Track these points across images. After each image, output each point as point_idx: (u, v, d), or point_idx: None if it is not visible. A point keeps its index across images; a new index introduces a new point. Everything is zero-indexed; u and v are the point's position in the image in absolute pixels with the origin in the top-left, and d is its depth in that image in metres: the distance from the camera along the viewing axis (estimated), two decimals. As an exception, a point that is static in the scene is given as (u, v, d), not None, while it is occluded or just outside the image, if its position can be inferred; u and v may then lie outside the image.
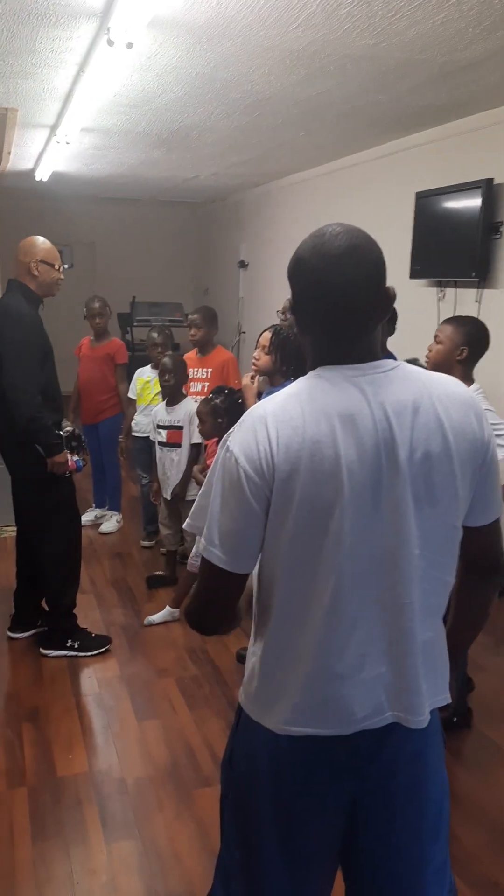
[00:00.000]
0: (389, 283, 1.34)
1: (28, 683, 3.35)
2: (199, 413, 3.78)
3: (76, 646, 3.56)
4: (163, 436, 4.14)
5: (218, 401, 3.71)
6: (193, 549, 3.85)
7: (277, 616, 1.35)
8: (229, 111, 4.52)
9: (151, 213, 10.05)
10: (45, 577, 3.55)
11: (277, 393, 1.34)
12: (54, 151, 5.82)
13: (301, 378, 1.34)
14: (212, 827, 2.48)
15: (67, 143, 5.26)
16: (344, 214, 6.13)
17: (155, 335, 4.81)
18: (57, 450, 3.28)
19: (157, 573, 4.42)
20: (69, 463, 3.34)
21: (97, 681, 3.40)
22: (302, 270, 1.32)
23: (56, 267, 3.33)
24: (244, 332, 8.51)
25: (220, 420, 3.67)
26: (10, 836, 2.46)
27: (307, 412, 1.27)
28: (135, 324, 8.83)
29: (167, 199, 9.27)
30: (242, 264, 8.59)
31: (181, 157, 6.18)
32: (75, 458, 3.40)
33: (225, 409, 3.66)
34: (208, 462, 3.87)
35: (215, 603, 1.39)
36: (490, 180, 4.30)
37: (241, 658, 3.54)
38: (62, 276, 3.39)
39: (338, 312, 1.30)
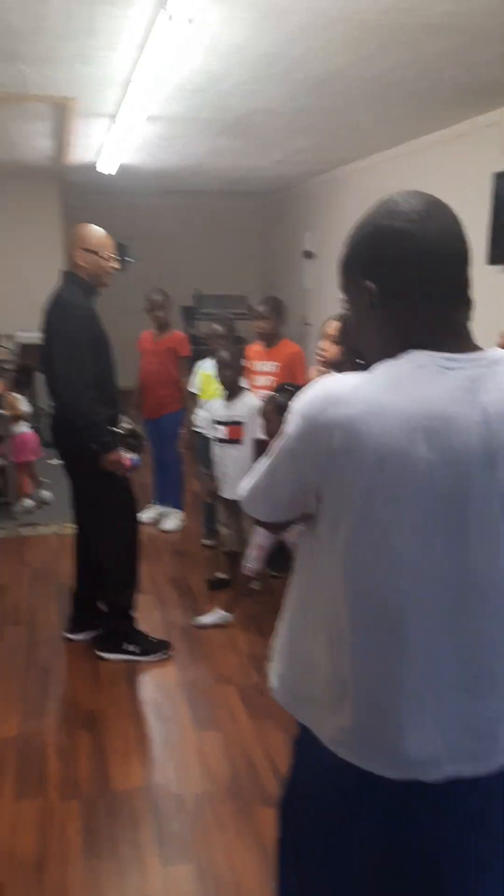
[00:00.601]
0: None
1: (85, 687, 3.25)
2: (264, 412, 3.61)
3: (134, 650, 3.44)
4: (221, 432, 3.98)
5: (284, 397, 3.54)
6: (249, 553, 3.70)
7: (337, 624, 1.19)
8: (295, 92, 4.33)
9: (216, 205, 9.93)
10: (100, 578, 3.44)
11: (355, 374, 1.15)
12: (118, 142, 5.72)
13: (386, 362, 1.15)
14: (274, 849, 2.32)
15: (131, 132, 5.15)
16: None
17: (217, 326, 4.65)
18: (109, 447, 3.14)
19: (219, 576, 4.27)
20: (124, 461, 3.20)
21: (155, 686, 3.27)
22: (382, 238, 1.15)
23: (102, 255, 3.18)
24: (309, 325, 8.30)
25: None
26: (61, 851, 2.35)
27: (387, 402, 1.09)
28: (199, 317, 8.72)
29: (232, 189, 9.12)
30: (308, 254, 8.38)
31: (246, 144, 6.01)
32: (132, 456, 3.24)
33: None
34: None
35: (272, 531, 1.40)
36: None
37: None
38: (114, 266, 3.24)
39: (433, 275, 1.12)
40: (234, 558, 4.20)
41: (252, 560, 3.70)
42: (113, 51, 3.62)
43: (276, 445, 1.23)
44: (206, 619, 3.81)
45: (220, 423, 4.01)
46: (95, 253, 3.17)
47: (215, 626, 3.78)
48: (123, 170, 7.25)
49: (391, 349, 1.16)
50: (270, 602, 4.10)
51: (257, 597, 4.12)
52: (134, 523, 3.48)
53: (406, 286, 1.14)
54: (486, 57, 3.63)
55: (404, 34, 3.31)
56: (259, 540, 3.69)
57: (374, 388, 1.11)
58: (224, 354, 3.97)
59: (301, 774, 1.31)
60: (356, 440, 1.08)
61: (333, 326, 3.00)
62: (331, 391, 1.14)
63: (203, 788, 2.63)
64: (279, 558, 4.32)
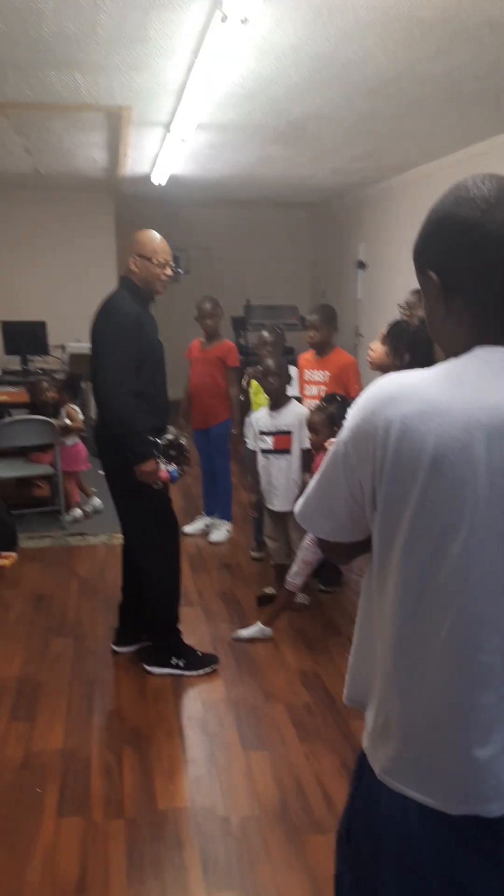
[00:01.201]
0: None
1: (131, 702, 3.18)
2: (311, 423, 3.52)
3: (181, 664, 3.36)
4: (267, 442, 3.89)
5: (333, 408, 3.45)
6: (293, 567, 3.60)
7: (391, 642, 1.10)
8: (349, 96, 4.24)
9: (267, 215, 9.89)
10: (143, 590, 3.37)
11: (415, 371, 1.07)
12: (171, 152, 5.72)
13: (450, 359, 1.07)
14: (324, 881, 2.21)
15: (183, 140, 5.13)
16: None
17: (265, 334, 4.58)
18: (144, 457, 3.05)
19: (267, 591, 4.17)
20: (160, 472, 3.11)
21: (202, 703, 3.18)
22: (447, 227, 1.07)
23: (155, 262, 3.12)
24: (362, 336, 8.18)
25: (336, 429, 3.42)
26: (105, 872, 2.27)
27: (449, 399, 1.01)
28: (249, 327, 8.67)
29: (283, 199, 9.08)
30: (361, 265, 8.27)
31: (298, 151, 5.95)
32: (171, 467, 3.15)
33: (342, 417, 3.40)
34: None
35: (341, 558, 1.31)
36: None
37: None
38: (167, 274, 3.17)
39: (500, 268, 1.03)
40: (283, 571, 4.10)
41: (295, 575, 3.59)
42: (167, 58, 3.59)
43: (330, 452, 1.15)
44: (245, 632, 3.71)
45: (265, 433, 3.92)
46: (149, 259, 3.12)
47: (255, 639, 3.68)
48: (174, 180, 7.25)
49: (457, 345, 1.09)
50: (320, 617, 3.99)
51: (305, 612, 4.02)
52: (174, 537, 3.41)
53: (469, 279, 1.07)
54: (550, 55, 3.50)
55: (465, 32, 3.19)
56: (305, 555, 3.59)
57: (432, 386, 1.04)
58: (269, 362, 3.90)
59: (358, 805, 1.20)
60: (410, 441, 1.01)
61: (385, 328, 2.93)
62: (386, 389, 1.07)
63: (250, 812, 2.53)
64: (329, 573, 4.21)
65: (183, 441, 3.26)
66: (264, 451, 3.93)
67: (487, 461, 0.98)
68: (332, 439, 1.35)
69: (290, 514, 3.85)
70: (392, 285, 7.35)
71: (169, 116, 4.79)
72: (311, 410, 3.60)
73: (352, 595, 4.26)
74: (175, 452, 3.20)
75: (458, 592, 1.01)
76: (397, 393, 1.04)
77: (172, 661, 3.36)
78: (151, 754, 2.83)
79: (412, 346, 2.89)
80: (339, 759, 2.80)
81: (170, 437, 3.22)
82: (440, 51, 3.43)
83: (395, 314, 5.86)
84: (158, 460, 3.10)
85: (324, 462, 1.17)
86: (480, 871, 1.08)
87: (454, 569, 1.01)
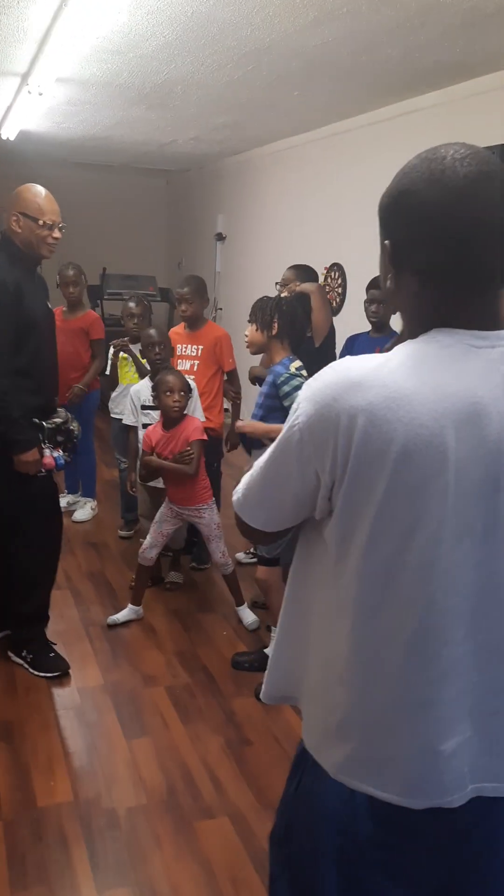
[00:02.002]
0: None
1: (0, 693, 2.99)
2: (171, 385, 3.39)
3: (28, 659, 3.15)
4: (153, 417, 3.76)
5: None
6: (147, 540, 3.53)
7: (350, 639, 1.05)
8: (222, 62, 4.12)
9: (124, 181, 9.55)
10: (11, 577, 3.11)
11: (372, 356, 1.01)
12: (24, 105, 5.34)
13: (406, 342, 1.01)
14: (218, 866, 2.18)
15: (40, 94, 4.79)
16: (335, 185, 5.77)
17: (132, 305, 4.40)
18: (21, 447, 2.78)
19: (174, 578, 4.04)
20: (45, 460, 2.86)
21: (78, 691, 3.05)
22: (410, 205, 0.99)
23: (42, 223, 2.81)
24: (221, 309, 8.13)
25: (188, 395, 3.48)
26: (-17, 882, 2.12)
27: (411, 387, 0.95)
28: (106, 297, 8.38)
29: (141, 165, 8.79)
30: (220, 237, 8.18)
31: (161, 116, 5.75)
32: (56, 453, 2.91)
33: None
34: (163, 451, 3.50)
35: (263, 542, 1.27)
36: (504, 146, 3.98)
37: (236, 665, 3.23)
38: (55, 236, 2.85)
39: (462, 260, 0.97)
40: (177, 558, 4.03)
41: (151, 548, 3.51)
42: (32, 1, 3.31)
43: (280, 438, 1.07)
44: (119, 616, 3.60)
45: (149, 407, 3.79)
46: (35, 220, 2.80)
47: (130, 621, 3.57)
48: (25, 135, 6.81)
49: (415, 323, 1.04)
50: (194, 595, 3.94)
51: (179, 591, 3.95)
52: (56, 523, 3.20)
53: (418, 272, 1.02)
54: (421, 37, 3.54)
55: (344, 5, 3.16)
56: (162, 527, 3.52)
57: (395, 372, 0.98)
58: (152, 333, 3.76)
59: (299, 805, 1.16)
60: (378, 430, 0.95)
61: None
62: (348, 374, 1.00)
63: (137, 802, 2.45)
64: (201, 550, 4.16)
65: (73, 426, 3.03)
66: (147, 426, 3.80)
67: (456, 450, 0.94)
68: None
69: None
70: (252, 258, 7.33)
71: (26, 66, 4.46)
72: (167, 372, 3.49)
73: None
74: (63, 438, 2.97)
75: (425, 587, 0.98)
76: (361, 378, 0.98)
77: (23, 654, 3.16)
78: (26, 749, 2.68)
79: (279, 314, 2.89)
80: (224, 739, 2.77)
81: (58, 419, 2.97)
82: (318, 21, 3.38)
83: (254, 287, 5.85)
84: (44, 446, 2.87)
85: (271, 449, 1.09)
86: (429, 865, 1.07)
87: (421, 562, 0.97)
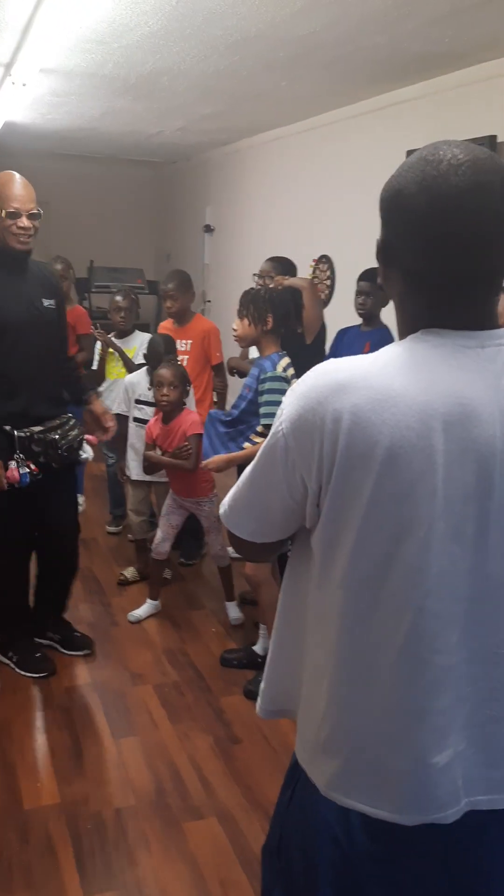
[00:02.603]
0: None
1: (-14, 694, 2.96)
2: (165, 378, 3.35)
3: (14, 659, 3.11)
4: (146, 412, 3.72)
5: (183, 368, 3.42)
6: (158, 534, 3.52)
7: (337, 649, 1.02)
8: (207, 52, 4.07)
9: (111, 173, 9.47)
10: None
11: (361, 356, 0.98)
12: (8, 96, 5.27)
13: (395, 343, 0.99)
14: (207, 868, 2.16)
15: (24, 84, 4.73)
16: (323, 176, 5.73)
17: (119, 299, 4.36)
18: None
19: (125, 575, 3.99)
20: (7, 473, 2.65)
21: (64, 690, 3.01)
22: (402, 208, 0.96)
23: (4, 213, 2.61)
24: (209, 301, 8.08)
25: (187, 388, 3.44)
26: (-32, 887, 2.09)
27: (401, 387, 0.93)
28: (93, 289, 8.31)
29: (128, 157, 8.70)
30: (208, 229, 8.13)
31: (147, 107, 5.69)
32: (23, 469, 2.67)
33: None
34: (162, 444, 3.46)
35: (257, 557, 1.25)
36: (493, 137, 3.95)
37: (225, 662, 3.20)
38: (20, 224, 2.64)
39: (449, 269, 0.94)
40: (143, 548, 3.97)
41: (163, 542, 3.50)
42: (11, -12, 3.26)
43: (266, 445, 1.04)
44: (142, 612, 3.58)
45: (144, 402, 3.75)
46: None
47: (119, 621, 3.55)
48: (9, 127, 6.74)
49: (405, 320, 1.02)
50: (182, 591, 3.91)
51: (168, 587, 3.92)
52: (14, 557, 3.02)
53: (406, 275, 0.99)
54: (408, 26, 3.50)
55: (332, -7, 3.13)
56: (171, 519, 3.51)
57: (383, 373, 0.95)
58: (157, 339, 3.76)
59: (291, 818, 1.13)
60: (363, 433, 0.93)
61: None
62: (333, 376, 0.97)
63: (125, 803, 2.42)
64: (189, 546, 4.14)
65: (57, 435, 2.79)
66: (138, 420, 3.76)
67: (445, 452, 0.92)
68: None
69: (163, 484, 3.74)
70: (240, 250, 7.28)
71: (9, 56, 4.39)
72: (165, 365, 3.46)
73: (215, 567, 4.21)
74: (39, 449, 2.73)
75: (415, 593, 0.95)
76: (346, 381, 0.95)
77: (9, 654, 3.13)
78: (12, 750, 2.64)
79: (271, 307, 2.85)
80: (213, 737, 2.75)
81: (36, 428, 2.74)
82: (304, 10, 3.34)
83: (243, 279, 5.80)
84: (15, 458, 2.67)
85: (257, 457, 1.06)
86: (426, 879, 1.04)
87: (411, 568, 0.94)
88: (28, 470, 2.70)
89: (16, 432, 2.71)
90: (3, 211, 2.64)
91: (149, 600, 3.61)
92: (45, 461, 2.78)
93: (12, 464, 2.69)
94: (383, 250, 1.01)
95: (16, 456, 2.69)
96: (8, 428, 2.70)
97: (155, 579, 3.62)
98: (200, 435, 3.39)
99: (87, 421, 3.19)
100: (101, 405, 3.19)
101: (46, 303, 2.82)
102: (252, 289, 3.00)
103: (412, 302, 1.00)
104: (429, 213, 0.93)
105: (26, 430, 2.74)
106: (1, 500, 2.76)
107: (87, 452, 3.01)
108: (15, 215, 2.65)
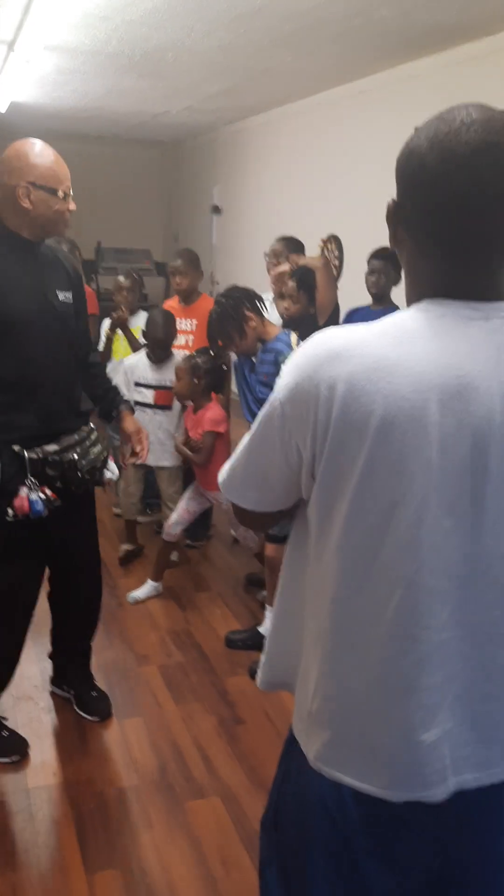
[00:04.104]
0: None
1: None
2: (176, 369, 3.42)
3: None
4: (146, 395, 3.71)
5: (199, 360, 3.36)
6: (173, 516, 3.51)
7: (330, 620, 1.01)
8: (212, 27, 4.01)
9: (117, 153, 9.42)
10: None
11: (360, 325, 0.96)
12: (13, 74, 5.22)
13: (396, 312, 0.97)
14: (209, 847, 2.16)
15: (28, 62, 4.69)
16: (331, 154, 5.66)
17: (122, 279, 4.34)
18: None
19: (127, 548, 4.00)
20: (16, 501, 2.17)
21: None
22: (413, 167, 0.94)
23: (60, 194, 2.19)
24: (217, 283, 8.04)
25: (196, 381, 3.37)
26: (-29, 864, 2.10)
27: (397, 356, 0.91)
28: (101, 271, 8.28)
29: (134, 137, 8.65)
30: (216, 209, 8.07)
31: (153, 85, 5.63)
32: (35, 497, 2.17)
33: (205, 371, 3.36)
34: (191, 433, 3.47)
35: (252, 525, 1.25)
36: None
37: (230, 643, 3.20)
38: (70, 207, 2.24)
39: (457, 230, 0.92)
40: (134, 527, 4.01)
41: (175, 525, 3.50)
42: (11, -39, 3.21)
43: (263, 413, 1.02)
44: (140, 593, 3.58)
45: (144, 385, 3.74)
46: (53, 191, 2.18)
47: (128, 600, 3.55)
48: (15, 107, 6.70)
49: (411, 290, 1.00)
50: (189, 573, 3.91)
51: (174, 568, 3.92)
52: (12, 577, 2.38)
53: (416, 235, 0.97)
54: (418, -3, 3.44)
55: (337, -36, 3.07)
56: (189, 504, 3.51)
57: (381, 341, 0.93)
58: (156, 313, 3.73)
59: (287, 791, 1.12)
60: (357, 401, 0.91)
61: (291, 287, 2.88)
62: (329, 344, 0.96)
63: (128, 782, 2.42)
64: (196, 527, 4.13)
65: (74, 455, 2.27)
66: (139, 404, 3.75)
67: (440, 425, 0.89)
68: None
69: (164, 469, 3.77)
70: (249, 230, 7.23)
71: (13, 33, 4.35)
72: (182, 358, 3.49)
73: (221, 549, 4.21)
74: (55, 472, 2.23)
75: (407, 567, 0.93)
76: (342, 348, 0.93)
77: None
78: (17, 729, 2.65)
79: (303, 288, 2.85)
80: (217, 718, 2.75)
81: (51, 448, 2.24)
82: (310, -18, 3.28)
83: (251, 260, 5.75)
84: (28, 484, 2.19)
85: (254, 425, 1.05)
86: (417, 852, 1.03)
87: (403, 541, 0.92)
88: (43, 496, 2.21)
89: (26, 453, 2.21)
90: (59, 191, 2.21)
91: (150, 581, 3.60)
92: (63, 486, 2.28)
93: (23, 491, 2.19)
94: (395, 210, 0.99)
95: (27, 481, 2.20)
96: (17, 448, 2.20)
97: (161, 560, 3.61)
98: (215, 433, 3.38)
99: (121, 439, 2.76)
100: (135, 423, 2.69)
101: (62, 296, 2.32)
102: (300, 267, 3.05)
103: (420, 267, 0.98)
104: (437, 169, 0.91)
105: (39, 449, 2.23)
106: (6, 530, 2.26)
107: (113, 471, 2.53)
108: (66, 197, 2.24)
